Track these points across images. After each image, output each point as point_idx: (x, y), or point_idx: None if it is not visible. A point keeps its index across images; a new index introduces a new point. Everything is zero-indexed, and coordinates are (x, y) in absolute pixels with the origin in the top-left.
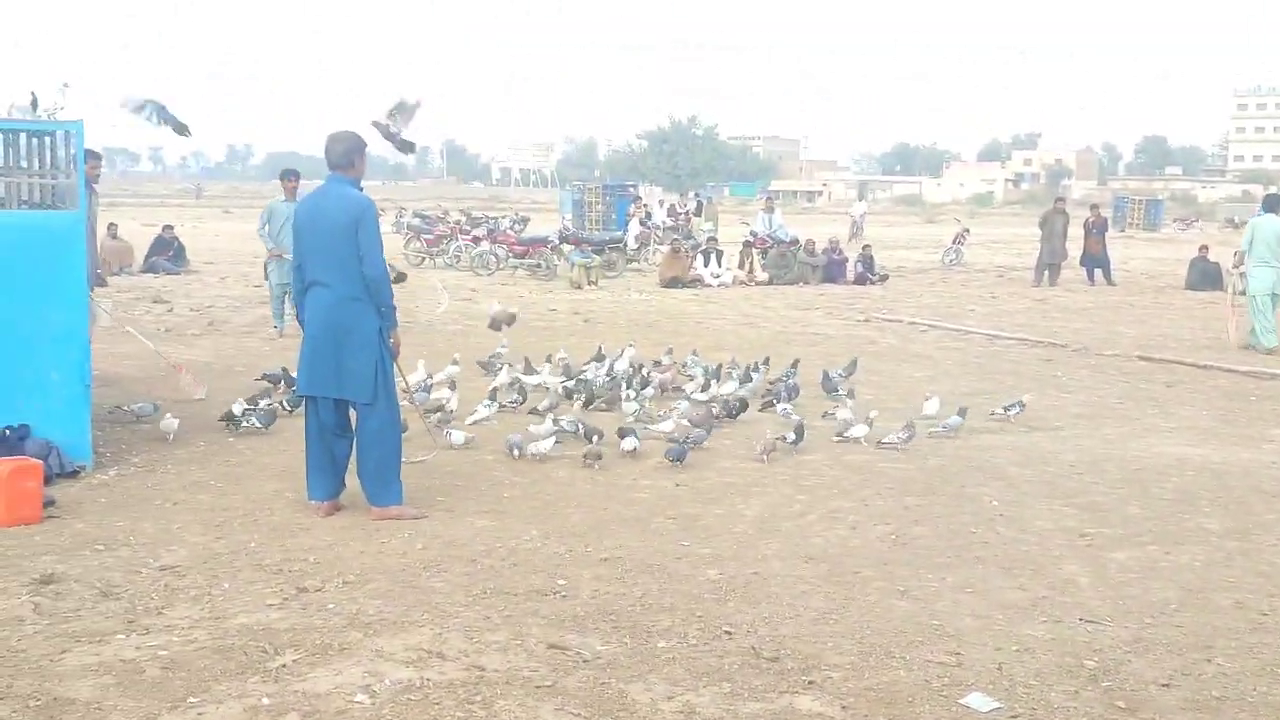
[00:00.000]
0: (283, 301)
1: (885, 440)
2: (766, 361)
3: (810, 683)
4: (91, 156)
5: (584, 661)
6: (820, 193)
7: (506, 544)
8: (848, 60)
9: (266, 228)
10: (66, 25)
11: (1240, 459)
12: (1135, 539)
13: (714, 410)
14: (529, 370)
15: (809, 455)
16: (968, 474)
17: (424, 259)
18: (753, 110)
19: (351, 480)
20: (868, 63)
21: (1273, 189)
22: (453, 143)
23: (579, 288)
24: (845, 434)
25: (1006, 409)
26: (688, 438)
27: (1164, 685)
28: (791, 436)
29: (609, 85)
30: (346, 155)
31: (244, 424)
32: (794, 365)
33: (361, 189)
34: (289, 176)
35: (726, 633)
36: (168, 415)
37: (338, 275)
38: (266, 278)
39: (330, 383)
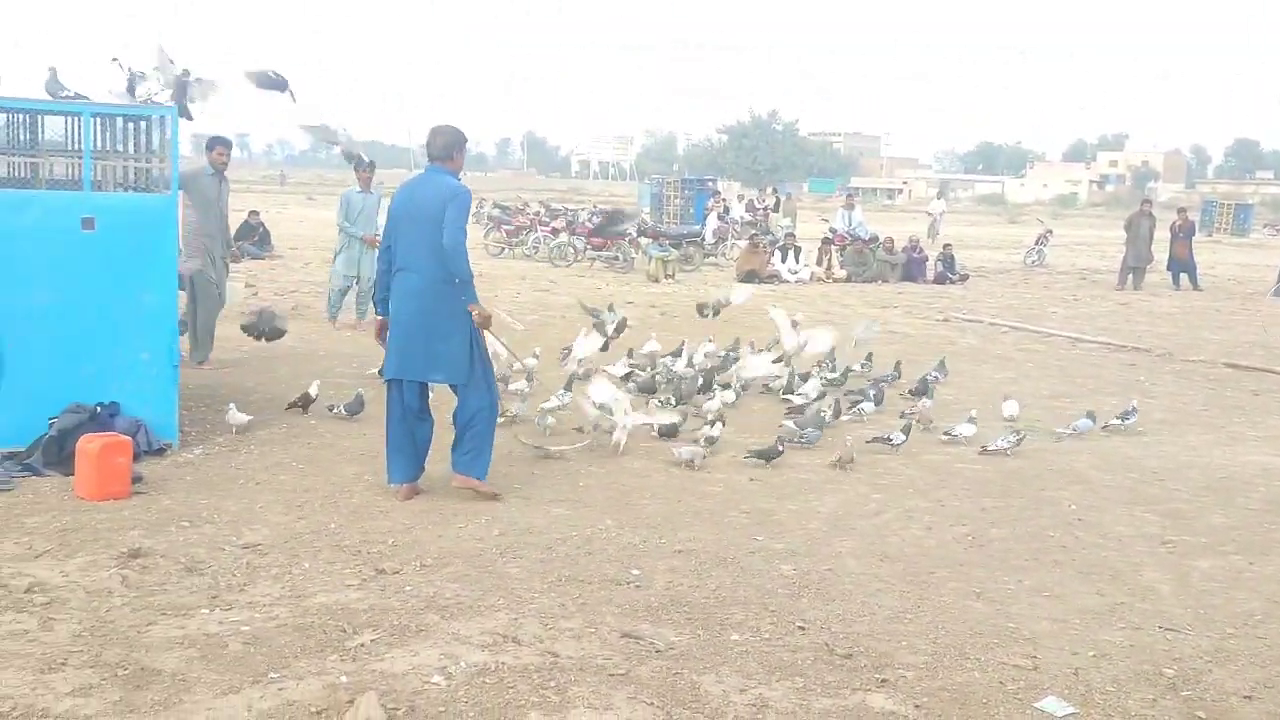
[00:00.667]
0: (343, 294)
1: (992, 446)
2: (898, 367)
3: (883, 681)
4: (220, 143)
5: (657, 651)
6: (901, 190)
7: (582, 532)
8: (931, 59)
9: (345, 219)
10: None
11: None
12: (1219, 548)
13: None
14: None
15: (884, 454)
16: (1046, 477)
17: (503, 249)
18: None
19: (431, 465)
20: (950, 62)
21: None
22: (532, 134)
23: (656, 281)
24: (953, 433)
25: (1123, 418)
26: (798, 437)
27: (1246, 697)
28: (901, 438)
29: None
30: (446, 148)
31: (331, 411)
32: (896, 367)
33: (460, 180)
34: (362, 166)
35: (800, 628)
36: (232, 408)
37: (428, 260)
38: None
39: (420, 366)
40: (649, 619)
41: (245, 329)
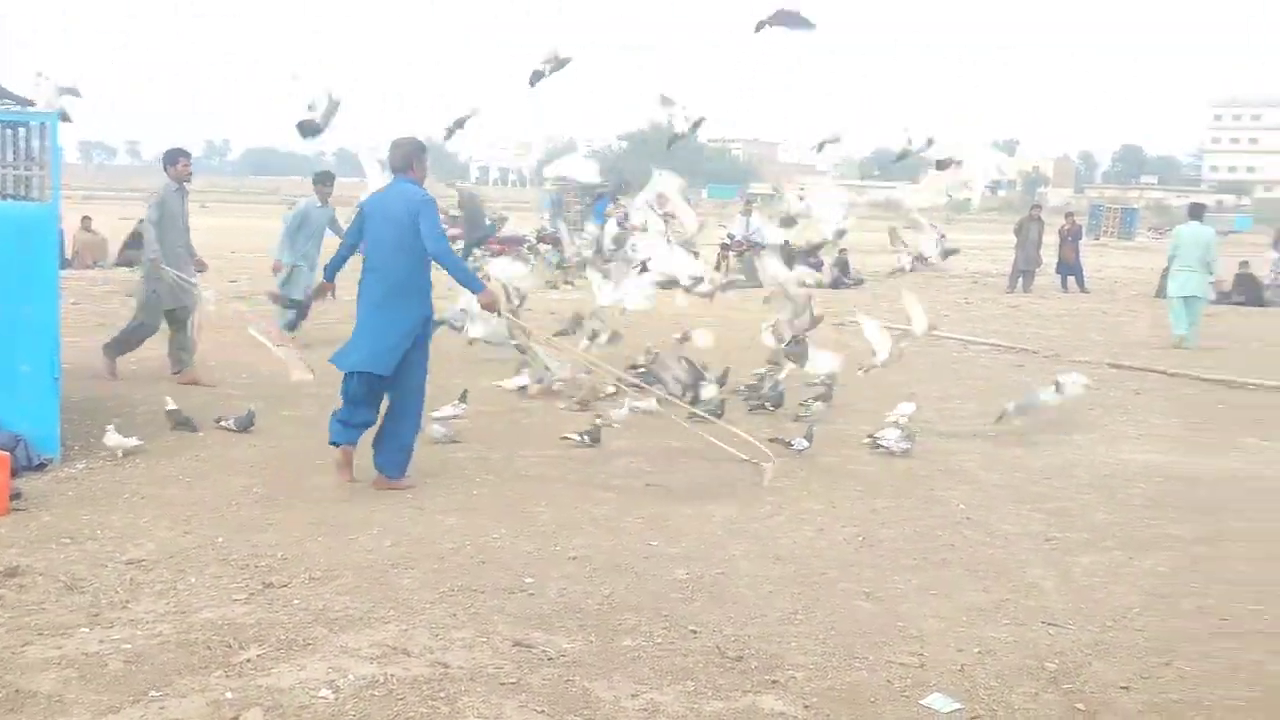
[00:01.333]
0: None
1: (883, 444)
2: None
3: (773, 682)
4: (183, 155)
5: (549, 659)
6: (800, 197)
7: (475, 541)
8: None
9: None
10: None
11: (1207, 466)
12: (1100, 544)
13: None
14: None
15: (779, 456)
16: (936, 478)
17: None
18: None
19: (322, 493)
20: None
21: (1246, 199)
22: (429, 139)
23: (555, 288)
24: (876, 437)
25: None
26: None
27: (1124, 688)
28: (804, 444)
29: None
30: (405, 159)
31: (220, 424)
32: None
33: (424, 187)
34: (324, 180)
35: (692, 632)
36: (111, 429)
37: (392, 264)
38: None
39: (359, 359)
40: (541, 627)
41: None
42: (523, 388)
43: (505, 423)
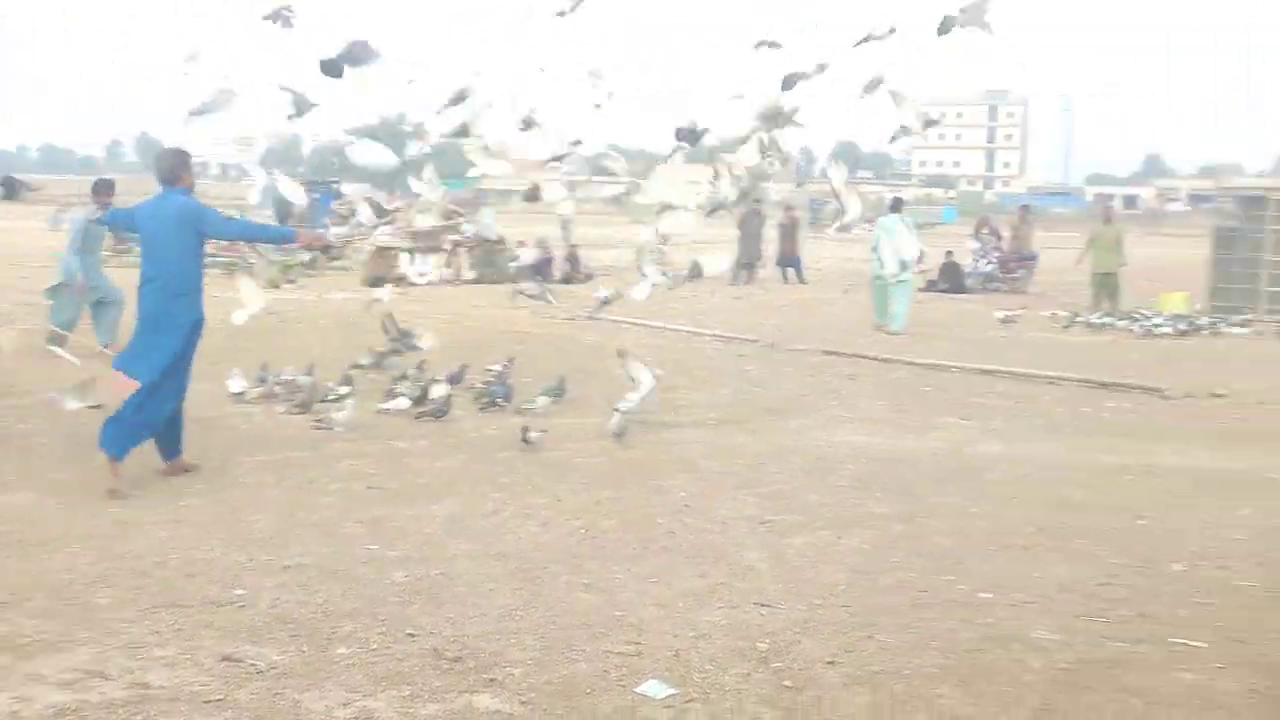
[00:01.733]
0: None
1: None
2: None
3: (491, 680)
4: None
5: (258, 673)
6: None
7: (184, 554)
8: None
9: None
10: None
11: (910, 446)
12: (811, 525)
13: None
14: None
15: (505, 451)
16: (660, 467)
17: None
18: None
19: (16, 511)
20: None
21: (952, 193)
22: (146, 135)
23: (276, 286)
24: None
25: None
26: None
27: (829, 663)
28: (535, 435)
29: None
30: (173, 171)
31: None
32: (510, 362)
33: (193, 195)
34: (104, 190)
35: (409, 635)
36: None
37: (164, 272)
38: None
39: (143, 368)
40: (251, 640)
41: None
42: (240, 393)
43: (223, 430)
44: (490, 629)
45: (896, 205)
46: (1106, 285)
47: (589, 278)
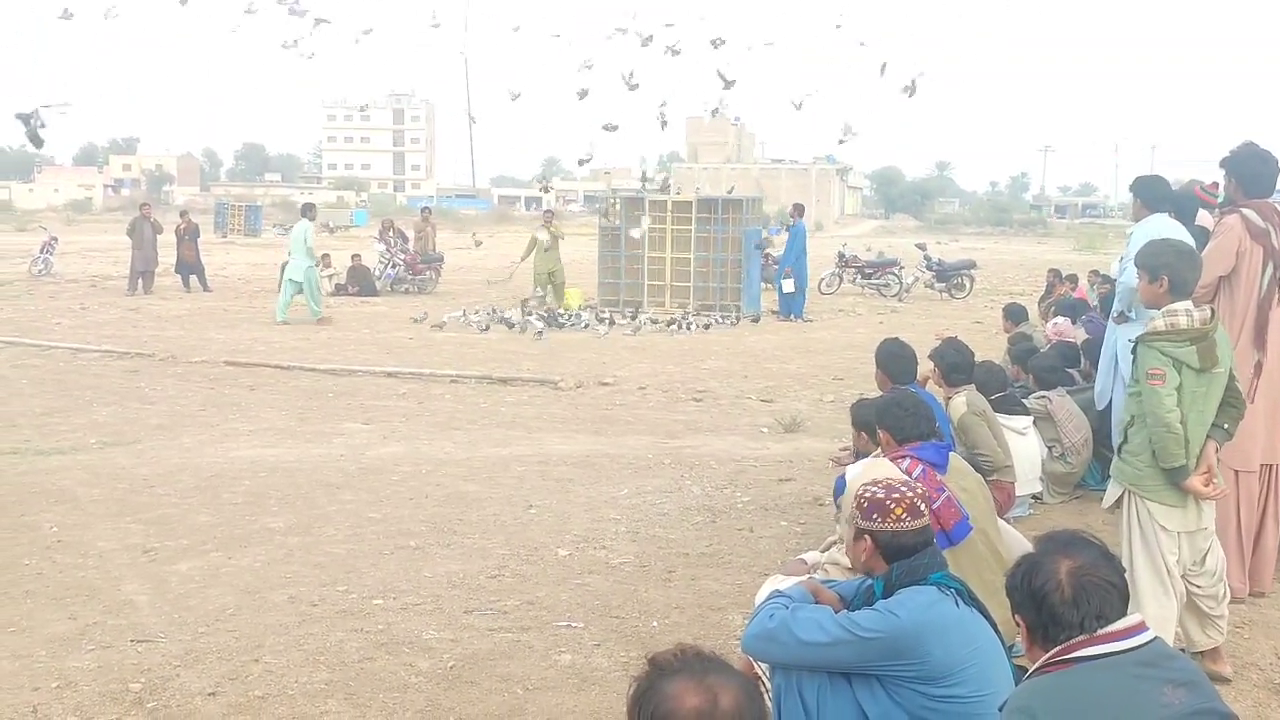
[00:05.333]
0: None
1: None
2: None
3: None
4: None
5: None
6: None
7: None
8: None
9: None
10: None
11: (311, 455)
12: (200, 548)
13: None
14: None
15: None
16: (30, 500)
17: None
18: None
19: None
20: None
21: (364, 196)
22: None
23: None
24: None
25: None
26: None
27: (210, 694)
28: None
29: None
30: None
31: None
32: None
33: None
34: None
35: None
36: None
37: None
38: None
39: None
40: None
41: None
42: None
43: None
44: None
45: (307, 210)
46: (552, 283)
47: None
